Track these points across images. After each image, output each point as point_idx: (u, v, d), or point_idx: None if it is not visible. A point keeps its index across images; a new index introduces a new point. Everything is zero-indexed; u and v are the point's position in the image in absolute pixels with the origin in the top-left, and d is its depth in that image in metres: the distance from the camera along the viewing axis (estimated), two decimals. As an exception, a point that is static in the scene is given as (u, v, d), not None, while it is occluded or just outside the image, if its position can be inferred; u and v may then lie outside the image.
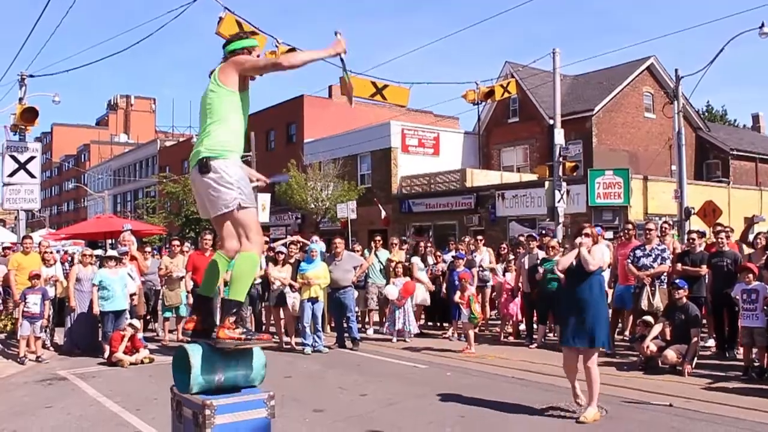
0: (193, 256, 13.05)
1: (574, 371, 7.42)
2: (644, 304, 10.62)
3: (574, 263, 7.38)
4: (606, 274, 11.71)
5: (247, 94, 4.57)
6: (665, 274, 10.92)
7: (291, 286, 12.56)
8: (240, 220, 4.36)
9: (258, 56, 4.78)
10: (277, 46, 13.07)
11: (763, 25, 19.69)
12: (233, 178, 4.31)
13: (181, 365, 4.40)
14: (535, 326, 13.00)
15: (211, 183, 4.30)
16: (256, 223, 4.48)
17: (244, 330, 4.38)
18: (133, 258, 13.34)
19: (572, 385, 7.48)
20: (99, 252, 14.56)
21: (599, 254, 7.42)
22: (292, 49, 13.32)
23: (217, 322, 4.50)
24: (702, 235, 13.05)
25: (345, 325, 12.79)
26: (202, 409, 4.12)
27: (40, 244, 15.46)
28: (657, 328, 9.90)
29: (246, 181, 4.44)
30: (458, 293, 12.25)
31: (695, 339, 9.71)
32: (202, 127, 4.52)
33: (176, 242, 15.02)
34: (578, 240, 7.43)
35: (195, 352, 4.30)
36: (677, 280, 10.32)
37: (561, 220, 20.11)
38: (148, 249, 17.41)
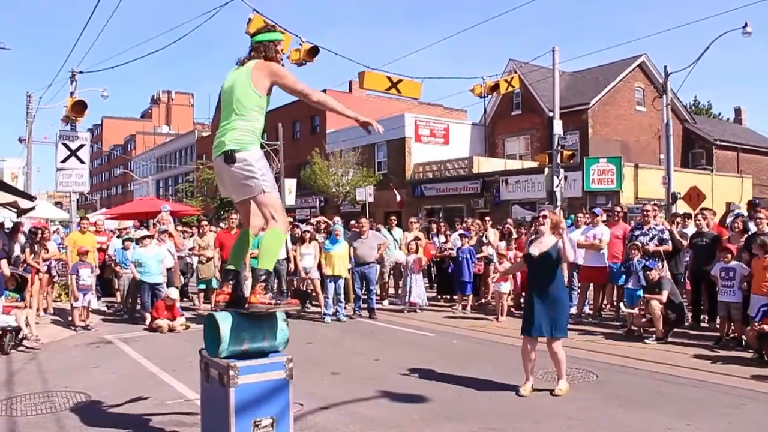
0: (220, 235, 13.11)
1: (530, 359, 6.89)
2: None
3: (539, 252, 6.78)
4: (605, 252, 11.69)
5: (270, 96, 4.54)
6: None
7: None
8: (265, 202, 4.36)
9: (282, 53, 4.73)
10: (300, 44, 13.00)
11: (746, 25, 19.39)
12: (256, 167, 4.32)
13: (212, 332, 4.41)
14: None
15: (237, 172, 4.31)
16: (280, 204, 4.49)
17: (274, 296, 4.37)
18: (170, 235, 13.40)
19: (525, 369, 6.93)
20: (144, 231, 14.65)
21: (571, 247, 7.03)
22: (315, 48, 13.26)
23: (246, 294, 4.51)
24: (688, 217, 12.99)
25: (366, 296, 12.80)
26: (227, 370, 4.14)
27: (95, 223, 15.61)
28: (656, 305, 9.74)
29: (267, 168, 4.44)
30: (493, 266, 12.75)
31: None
32: (225, 116, 4.48)
33: (204, 222, 15.07)
34: (542, 226, 6.85)
35: (224, 321, 4.30)
36: (648, 262, 10.24)
37: (559, 203, 19.96)
38: (185, 228, 17.49)
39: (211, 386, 4.43)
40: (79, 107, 15.34)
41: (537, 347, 6.92)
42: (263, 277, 4.32)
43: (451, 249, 14.34)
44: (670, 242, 10.84)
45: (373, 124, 4.68)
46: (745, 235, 10.02)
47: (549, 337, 6.77)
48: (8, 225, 12.39)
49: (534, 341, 6.90)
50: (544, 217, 6.93)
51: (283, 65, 4.77)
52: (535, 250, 6.88)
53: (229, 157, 4.29)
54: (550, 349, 6.83)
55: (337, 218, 14.87)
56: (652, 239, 10.84)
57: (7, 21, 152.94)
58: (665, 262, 10.65)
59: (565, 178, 21.37)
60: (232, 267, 4.69)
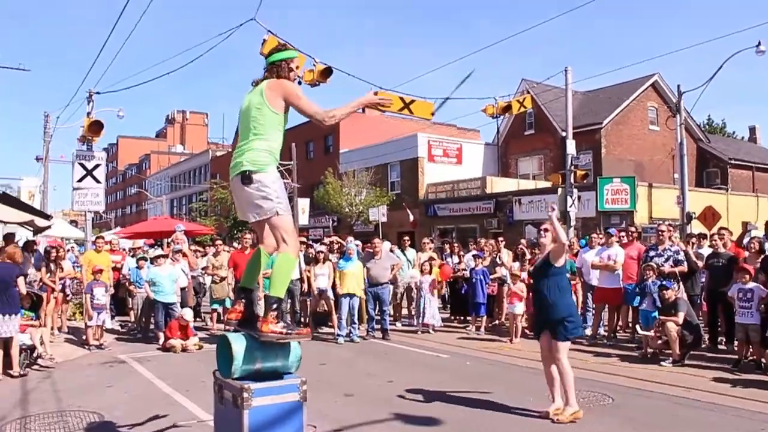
0: (234, 254, 13.11)
1: (552, 376, 6.79)
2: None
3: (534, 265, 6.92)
4: (620, 273, 11.61)
5: (287, 114, 4.54)
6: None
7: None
8: (277, 225, 4.36)
9: (299, 74, 4.76)
10: (314, 65, 13.08)
11: (759, 44, 19.35)
12: (272, 189, 4.32)
13: (224, 352, 4.41)
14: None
15: (253, 193, 4.32)
16: (292, 227, 4.48)
17: (285, 324, 4.36)
18: (184, 255, 13.45)
19: (550, 390, 6.85)
20: (158, 251, 14.73)
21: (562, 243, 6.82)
22: (328, 69, 13.33)
23: (259, 314, 4.50)
24: (703, 237, 12.89)
25: (379, 317, 12.76)
26: (241, 392, 4.11)
27: (110, 242, 15.70)
28: (672, 327, 9.62)
29: (283, 191, 4.44)
30: (507, 287, 12.59)
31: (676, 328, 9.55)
32: (243, 137, 4.50)
33: (219, 242, 15.12)
34: (541, 232, 6.97)
35: (237, 341, 4.30)
36: (665, 281, 10.15)
37: (572, 223, 19.89)
38: (198, 248, 17.54)
39: (224, 408, 4.41)
40: (96, 127, 15.50)
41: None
42: (275, 305, 4.31)
43: (465, 270, 14.29)
44: (685, 263, 10.75)
45: (377, 98, 4.61)
46: (762, 256, 9.92)
47: (550, 342, 6.68)
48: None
49: (546, 351, 6.80)
50: (545, 230, 6.94)
51: (299, 83, 4.79)
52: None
53: (246, 178, 4.30)
54: (553, 356, 6.68)
55: (350, 238, 14.86)
56: (667, 260, 10.75)
57: (26, 42, 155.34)
58: (681, 283, 10.56)
59: (579, 198, 21.30)
60: (245, 285, 4.69)
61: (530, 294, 11.90)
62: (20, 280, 9.36)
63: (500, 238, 15.15)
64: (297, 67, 4.72)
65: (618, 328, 12.15)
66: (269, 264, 4.71)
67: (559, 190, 22.41)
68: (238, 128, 4.62)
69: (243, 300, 4.58)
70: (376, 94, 4.64)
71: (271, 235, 4.52)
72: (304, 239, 17.02)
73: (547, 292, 6.72)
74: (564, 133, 22.37)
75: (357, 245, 13.84)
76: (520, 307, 12.06)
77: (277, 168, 4.53)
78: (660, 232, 11.21)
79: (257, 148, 4.36)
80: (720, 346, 10.82)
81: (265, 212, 4.33)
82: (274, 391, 4.28)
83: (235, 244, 16.84)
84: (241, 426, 4.08)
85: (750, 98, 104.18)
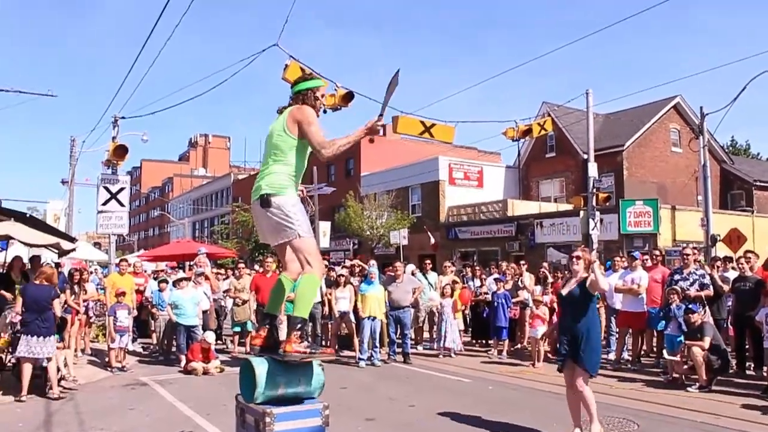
0: (256, 278, 13.16)
1: (575, 403, 6.77)
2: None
3: (567, 291, 6.83)
4: (644, 297, 11.49)
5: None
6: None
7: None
8: (300, 247, 4.38)
9: (323, 103, 4.77)
10: (335, 90, 13.18)
11: (783, 66, 19.17)
12: (291, 212, 4.34)
13: (248, 377, 4.41)
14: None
15: (273, 217, 4.35)
16: (315, 249, 4.48)
17: (309, 344, 4.36)
18: (207, 278, 13.52)
19: (572, 416, 6.82)
20: (181, 274, 14.85)
21: (603, 280, 6.83)
22: (350, 93, 13.42)
23: (281, 338, 4.50)
24: (729, 260, 12.71)
25: (400, 341, 12.71)
26: (263, 417, 4.11)
27: (134, 264, 15.84)
28: (698, 351, 9.48)
29: (303, 214, 4.46)
30: (529, 310, 12.45)
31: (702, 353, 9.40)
32: (265, 162, 4.56)
33: (241, 265, 15.17)
34: (586, 264, 6.79)
35: (260, 366, 4.30)
36: (690, 305, 10.00)
37: (595, 246, 19.68)
38: (220, 270, 17.63)
39: (246, 432, 4.41)
40: (121, 151, 15.70)
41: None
42: (299, 325, 4.31)
43: (487, 293, 14.20)
44: (711, 287, 10.61)
45: (373, 122, 4.58)
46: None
47: (574, 369, 6.61)
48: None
49: (570, 379, 6.72)
50: (578, 257, 6.87)
51: (324, 111, 4.82)
52: (566, 289, 6.86)
53: (265, 201, 4.34)
54: (575, 384, 6.61)
55: (372, 261, 14.87)
56: (692, 284, 10.63)
57: (53, 68, 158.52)
58: (707, 307, 10.41)
59: (601, 220, 21.10)
60: (269, 312, 4.70)
61: (551, 318, 11.84)
62: (56, 303, 9.44)
63: (522, 262, 15.07)
64: (322, 96, 4.76)
65: (642, 352, 11.98)
66: (293, 288, 4.73)
67: (581, 212, 22.27)
68: (264, 154, 4.67)
69: (267, 326, 4.60)
70: (378, 120, 4.60)
71: (293, 261, 4.53)
72: (326, 262, 17.07)
73: (578, 321, 6.65)
74: (585, 156, 22.28)
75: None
76: (542, 331, 11.94)
77: (299, 192, 4.55)
78: (685, 256, 11.10)
79: (277, 171, 4.41)
80: (748, 372, 10.62)
81: (287, 235, 4.36)
82: (297, 415, 4.27)
83: (257, 267, 16.89)
84: (263, 450, 4.07)
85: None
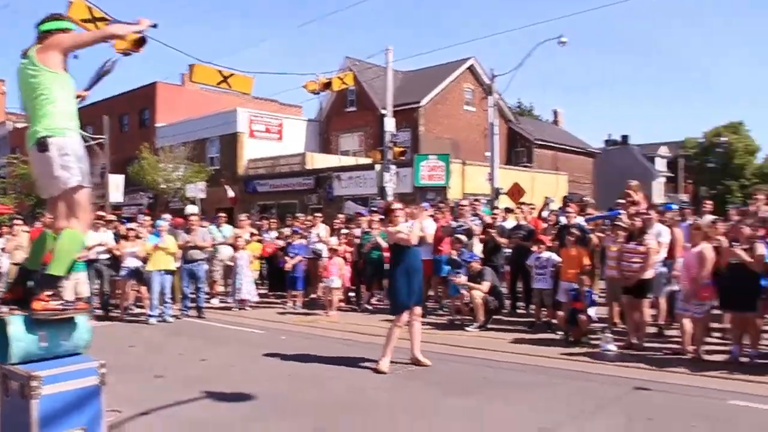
0: (33, 233, 12.17)
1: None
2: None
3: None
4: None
5: (68, 75, 4.25)
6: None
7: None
8: (75, 199, 4.13)
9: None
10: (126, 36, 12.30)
11: (561, 36, 21.02)
12: (72, 157, 4.07)
13: (1, 336, 4.08)
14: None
15: (51, 161, 4.04)
16: (88, 202, 4.24)
17: (62, 301, 4.14)
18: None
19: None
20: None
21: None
22: (142, 38, 12.54)
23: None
24: (509, 211, 13.87)
25: (194, 295, 12.45)
26: (28, 381, 3.85)
27: None
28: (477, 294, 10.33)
29: (85, 160, 4.19)
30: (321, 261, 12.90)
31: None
32: (29, 106, 4.18)
33: (18, 221, 13.96)
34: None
35: (14, 323, 4.01)
36: (471, 255, 10.94)
37: (390, 198, 20.55)
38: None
39: (11, 399, 4.09)
40: None
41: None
42: (52, 283, 4.09)
43: (282, 244, 14.32)
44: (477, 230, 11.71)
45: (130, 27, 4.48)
46: (557, 227, 10.93)
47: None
48: None
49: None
50: (400, 209, 8.15)
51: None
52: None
53: (43, 144, 4.01)
54: (412, 320, 7.82)
55: (166, 215, 14.33)
56: (466, 231, 11.63)
57: None
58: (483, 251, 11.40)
59: (397, 174, 22.02)
60: (27, 267, 4.39)
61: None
62: None
63: (318, 214, 15.32)
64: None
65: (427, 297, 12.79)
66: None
67: (378, 166, 23.06)
68: (23, 104, 4.27)
69: (24, 281, 4.29)
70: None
71: (63, 217, 4.24)
72: (116, 217, 16.18)
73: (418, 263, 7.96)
74: (384, 111, 22.97)
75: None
76: (337, 282, 12.29)
77: (82, 137, 4.27)
78: (461, 207, 12.08)
79: (50, 112, 4.08)
80: (519, 311, 11.77)
81: (65, 183, 4.06)
82: (68, 376, 4.05)
83: (36, 224, 15.57)
84: (30, 418, 3.83)
85: (555, 85, 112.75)
